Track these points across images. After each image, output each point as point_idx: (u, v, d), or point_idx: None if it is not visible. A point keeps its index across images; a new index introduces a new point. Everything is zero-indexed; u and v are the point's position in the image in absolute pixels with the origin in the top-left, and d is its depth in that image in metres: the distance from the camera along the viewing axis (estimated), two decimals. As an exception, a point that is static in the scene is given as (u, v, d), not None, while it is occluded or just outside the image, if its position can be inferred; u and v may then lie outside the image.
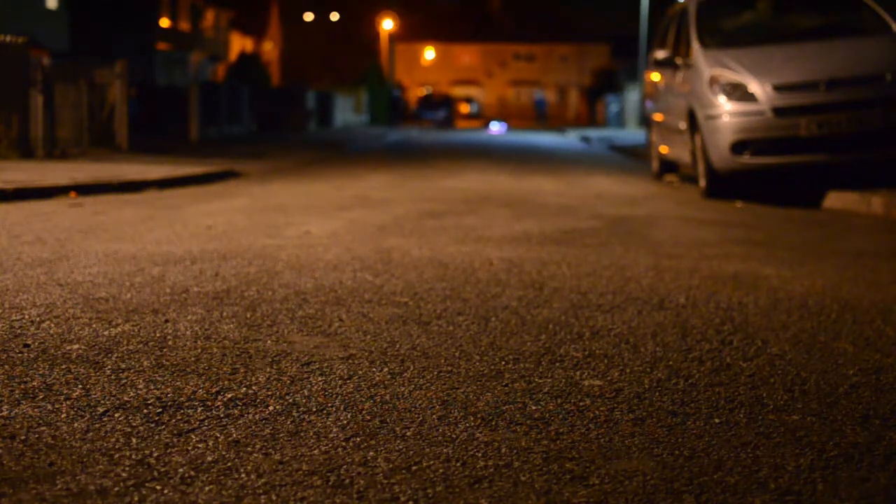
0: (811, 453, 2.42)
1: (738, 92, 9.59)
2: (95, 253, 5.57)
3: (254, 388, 2.91)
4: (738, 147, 9.55)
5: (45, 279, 4.66)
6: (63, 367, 3.09)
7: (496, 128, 45.61)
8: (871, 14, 10.44)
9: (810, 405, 2.82)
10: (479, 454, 2.38)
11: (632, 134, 32.85)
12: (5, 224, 6.96)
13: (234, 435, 2.49)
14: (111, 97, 17.35)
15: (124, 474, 2.21)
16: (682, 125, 10.82)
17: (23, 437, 2.43)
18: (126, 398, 2.78)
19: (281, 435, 2.49)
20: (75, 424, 2.54)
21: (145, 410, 2.68)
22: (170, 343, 3.44)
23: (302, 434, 2.50)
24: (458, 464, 2.31)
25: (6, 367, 3.08)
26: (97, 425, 2.54)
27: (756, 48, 10.23)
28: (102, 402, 2.74)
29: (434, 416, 2.66)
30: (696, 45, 10.51)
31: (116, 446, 2.39)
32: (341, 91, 47.96)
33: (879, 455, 2.41)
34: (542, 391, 2.93)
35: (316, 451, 2.38)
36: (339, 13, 76.08)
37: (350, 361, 3.23)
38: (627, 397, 2.88)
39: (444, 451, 2.40)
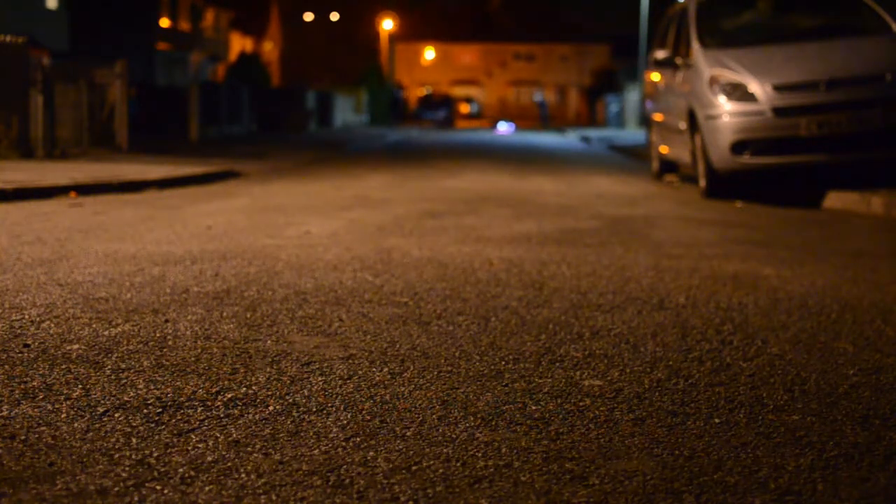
0: (811, 453, 2.42)
1: (738, 92, 9.59)
2: (95, 253, 5.57)
3: (254, 388, 2.91)
4: (738, 147, 9.54)
5: (45, 279, 4.66)
6: (63, 367, 3.09)
7: (504, 128, 45.43)
8: (871, 14, 10.43)
9: (810, 405, 2.82)
10: (479, 454, 2.38)
11: (632, 134, 32.85)
12: (5, 224, 6.96)
13: (234, 435, 2.49)
14: (111, 97, 17.35)
15: (124, 474, 2.21)
16: (682, 125, 10.82)
17: (23, 437, 2.43)
18: (126, 398, 2.78)
19: (281, 435, 2.49)
20: (75, 424, 2.54)
21: (145, 410, 2.68)
22: (170, 343, 3.44)
23: (302, 434, 2.50)
24: (458, 464, 2.31)
25: (6, 367, 3.08)
26: (97, 425, 2.54)
27: (756, 48, 10.23)
28: (102, 402, 2.74)
29: (434, 416, 2.66)
30: (696, 45, 10.51)
31: (116, 446, 2.39)
32: (341, 91, 47.96)
33: (879, 455, 2.41)
34: (542, 391, 2.93)
35: (316, 451, 2.38)
36: (339, 13, 76.08)
37: (350, 361, 3.23)
38: (627, 397, 2.88)
39: (444, 451, 2.40)
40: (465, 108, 72.12)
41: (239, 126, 29.10)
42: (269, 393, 2.86)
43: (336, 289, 4.53)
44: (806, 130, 9.34)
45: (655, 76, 12.98)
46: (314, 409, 2.71)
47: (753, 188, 10.21)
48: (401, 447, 2.42)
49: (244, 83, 33.03)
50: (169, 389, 2.87)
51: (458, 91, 78.00)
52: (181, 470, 2.24)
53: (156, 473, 2.22)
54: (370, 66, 58.13)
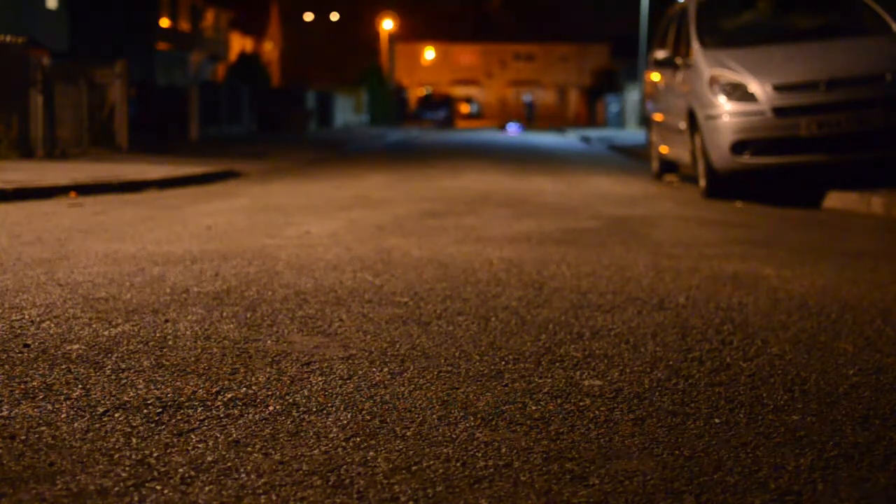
0: (811, 453, 2.42)
1: (738, 92, 9.59)
2: (95, 253, 5.57)
3: (254, 388, 2.91)
4: (738, 147, 9.54)
5: (45, 279, 4.66)
6: (63, 367, 3.09)
7: (513, 129, 45.39)
8: (871, 14, 10.43)
9: (810, 405, 2.82)
10: (479, 454, 2.38)
11: (632, 134, 32.85)
12: (5, 224, 6.96)
13: (234, 435, 2.49)
14: (111, 97, 17.35)
15: (124, 474, 2.21)
16: (682, 125, 10.82)
17: (23, 437, 2.43)
18: (126, 398, 2.78)
19: (281, 435, 2.49)
20: (75, 424, 2.54)
21: (145, 410, 2.68)
22: (170, 343, 3.44)
23: (302, 434, 2.50)
24: (458, 464, 2.31)
25: (6, 367, 3.08)
26: (97, 425, 2.54)
27: (756, 48, 10.23)
28: (102, 402, 2.74)
29: (434, 416, 2.66)
30: (696, 45, 10.51)
31: (116, 446, 2.39)
32: (341, 91, 47.96)
33: (879, 455, 2.41)
34: (542, 391, 2.93)
35: (316, 451, 2.38)
36: (339, 13, 76.08)
37: (350, 361, 3.23)
38: (627, 397, 2.88)
39: (444, 451, 2.40)
40: (464, 109, 72.14)
41: (239, 126, 29.10)
42: (269, 393, 2.86)
43: (336, 289, 4.53)
44: (806, 130, 9.34)
45: (655, 76, 12.98)
46: (314, 409, 2.71)
47: (753, 188, 10.21)
48: (401, 447, 2.42)
49: (244, 83, 33.03)
50: (169, 389, 2.87)
51: (458, 91, 78.01)
52: (181, 470, 2.24)
53: (156, 473, 2.22)
54: (370, 66, 58.14)
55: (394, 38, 69.01)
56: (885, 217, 8.15)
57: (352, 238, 6.41)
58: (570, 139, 34.32)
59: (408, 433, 2.52)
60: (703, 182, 10.21)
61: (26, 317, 3.81)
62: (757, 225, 7.68)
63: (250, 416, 2.65)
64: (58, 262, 5.21)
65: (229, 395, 2.83)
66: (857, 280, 4.98)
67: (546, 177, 13.66)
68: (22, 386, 2.87)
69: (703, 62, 10.13)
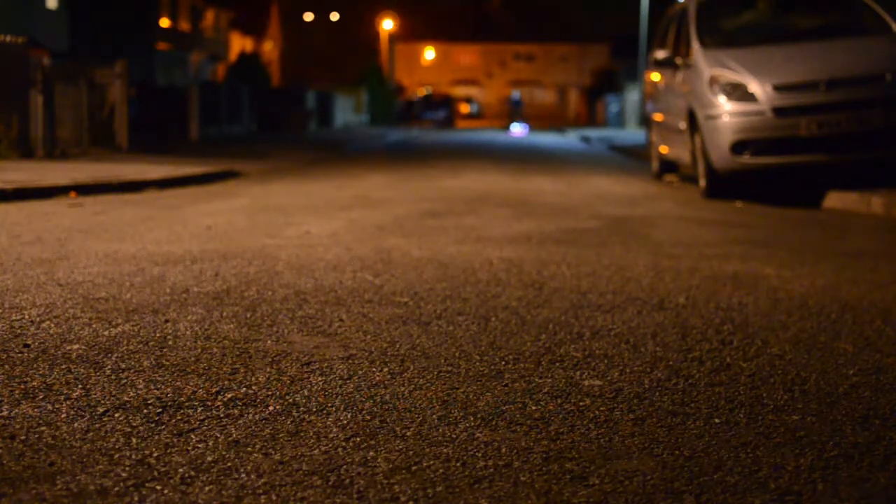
0: (811, 453, 2.42)
1: (738, 92, 9.59)
2: (95, 253, 5.57)
3: (254, 388, 2.91)
4: (738, 147, 9.54)
5: (45, 279, 4.66)
6: (63, 367, 3.09)
7: (517, 129, 45.01)
8: (871, 14, 10.43)
9: (810, 405, 2.82)
10: (479, 454, 2.38)
11: (632, 134, 32.85)
12: (5, 224, 6.96)
13: (234, 435, 2.49)
14: (111, 97, 17.35)
15: (124, 474, 2.21)
16: (682, 125, 10.82)
17: (23, 437, 2.43)
18: (126, 398, 2.78)
19: (281, 435, 2.49)
20: (75, 424, 2.54)
21: (145, 410, 2.68)
22: (170, 343, 3.44)
23: (302, 434, 2.50)
24: (458, 464, 2.31)
25: (6, 367, 3.08)
26: (97, 425, 2.54)
27: (756, 48, 10.23)
28: (102, 402, 2.74)
29: (434, 416, 2.66)
30: (696, 45, 10.51)
31: (116, 446, 2.39)
32: (341, 91, 47.95)
33: (879, 455, 2.41)
34: (542, 391, 2.93)
35: (316, 451, 2.38)
36: (339, 13, 76.08)
37: (350, 361, 3.23)
38: (627, 397, 2.88)
39: (444, 451, 2.40)
40: (464, 109, 72.13)
41: (239, 126, 29.10)
42: (269, 393, 2.86)
43: (336, 289, 4.53)
44: (806, 130, 9.34)
45: (655, 76, 12.98)
46: (314, 409, 2.71)
47: (753, 188, 10.21)
48: (401, 447, 2.42)
49: (244, 83, 33.03)
50: (169, 389, 2.87)
51: (458, 91, 78.01)
52: (181, 470, 2.24)
53: (156, 473, 2.22)
54: (370, 66, 58.12)
55: (394, 38, 69.00)
56: (885, 217, 8.15)
57: (352, 238, 6.41)
58: (570, 139, 34.32)
59: (408, 433, 2.52)
60: (703, 182, 10.21)
61: (26, 317, 3.81)
62: (757, 225, 7.68)
63: (250, 416, 2.65)
64: (58, 262, 5.21)
65: (229, 395, 2.83)
66: (857, 280, 4.98)
67: (546, 177, 13.66)
68: (22, 386, 2.87)
69: (703, 62, 10.13)
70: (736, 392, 2.94)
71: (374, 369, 3.14)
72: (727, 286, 4.75)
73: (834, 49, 9.99)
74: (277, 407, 2.73)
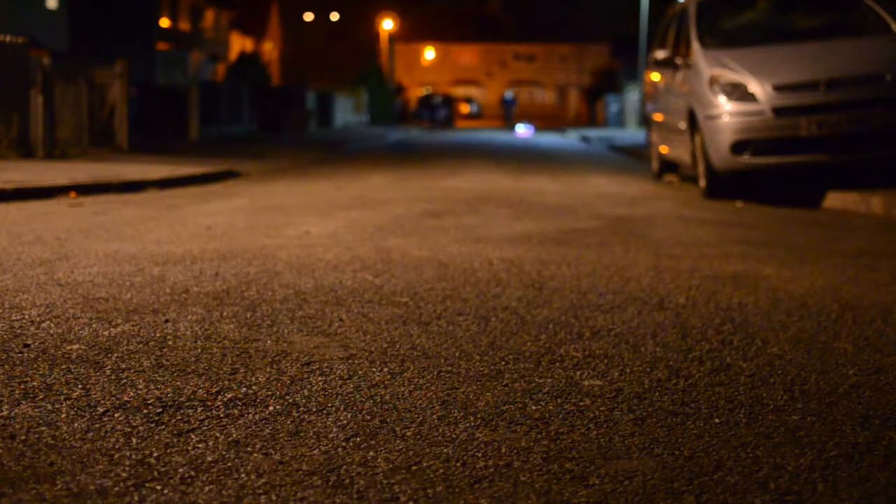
0: (811, 453, 2.42)
1: (738, 92, 9.59)
2: (95, 253, 5.57)
3: (254, 388, 2.91)
4: (738, 147, 9.55)
5: (45, 279, 4.66)
6: (63, 367, 3.09)
7: (522, 130, 44.83)
8: (871, 14, 10.43)
9: (810, 405, 2.82)
10: (479, 454, 2.38)
11: (632, 134, 32.85)
12: (5, 224, 6.96)
13: (234, 435, 2.49)
14: (111, 97, 17.35)
15: (124, 474, 2.21)
16: (682, 125, 10.82)
17: (23, 437, 2.43)
18: (126, 398, 2.78)
19: (281, 435, 2.49)
20: (75, 424, 2.54)
21: (145, 410, 2.67)
22: (170, 343, 3.44)
23: (302, 434, 2.50)
24: (458, 464, 2.31)
25: (6, 367, 3.08)
26: (97, 425, 2.54)
27: (756, 48, 10.23)
28: (102, 402, 2.74)
29: (434, 416, 2.66)
30: (696, 45, 10.51)
31: (116, 446, 2.39)
32: (341, 91, 47.95)
33: (879, 455, 2.41)
34: (542, 391, 2.93)
35: (316, 451, 2.38)
36: (339, 13, 76.09)
37: (350, 361, 3.23)
38: (627, 397, 2.88)
39: (444, 451, 2.40)
40: (465, 109, 72.15)
41: (239, 126, 29.10)
42: (269, 393, 2.86)
43: (336, 289, 4.53)
44: (806, 130, 9.34)
45: (655, 76, 12.98)
46: (314, 409, 2.71)
47: (753, 188, 10.21)
48: (401, 447, 2.42)
49: (244, 83, 33.03)
50: (169, 389, 2.87)
51: (458, 91, 78.01)
52: (181, 470, 2.24)
53: (156, 473, 2.22)
54: (370, 66, 58.13)
55: (394, 38, 69.00)
56: (885, 217, 8.15)
57: (352, 238, 6.41)
58: (569, 139, 34.32)
59: (408, 433, 2.52)
60: (703, 182, 10.21)
61: (26, 317, 3.81)
62: (757, 225, 7.68)
63: (250, 416, 2.65)
64: (58, 262, 5.21)
65: (229, 395, 2.83)
66: (857, 280, 4.98)
67: (546, 177, 13.66)
68: (22, 386, 2.87)
69: (703, 62, 10.13)
70: (736, 392, 2.94)
71: (374, 369, 3.14)
72: (727, 286, 4.75)
73: (834, 49, 9.99)
74: (277, 407, 2.73)
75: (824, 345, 3.56)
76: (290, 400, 2.79)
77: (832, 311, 4.16)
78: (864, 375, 3.14)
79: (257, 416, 2.64)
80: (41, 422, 2.56)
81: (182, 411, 2.67)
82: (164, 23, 48.94)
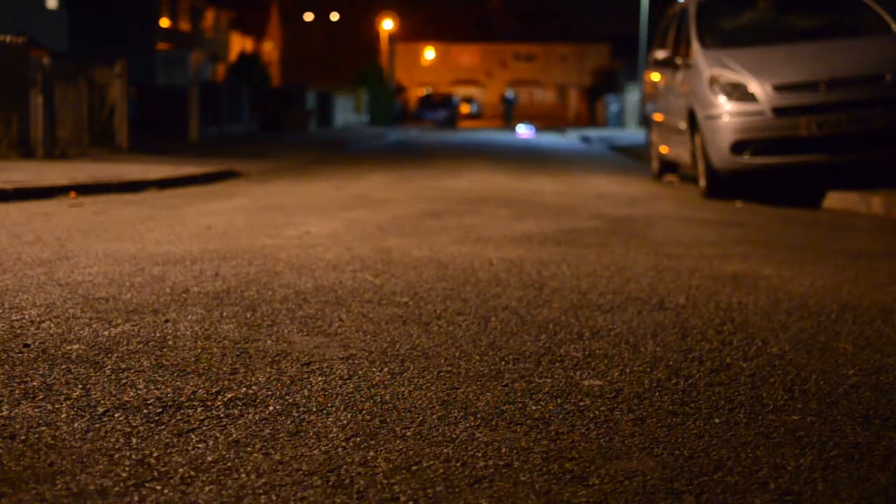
0: (811, 453, 2.42)
1: (738, 92, 9.59)
2: (95, 253, 5.57)
3: (254, 388, 2.91)
4: (738, 147, 9.55)
5: (45, 279, 4.66)
6: (63, 367, 3.09)
7: (523, 130, 44.70)
8: (871, 14, 10.44)
9: (810, 405, 2.82)
10: (479, 454, 2.38)
11: (632, 134, 32.85)
12: (5, 224, 6.96)
13: (234, 435, 2.49)
14: (111, 97, 17.35)
15: (124, 474, 2.21)
16: (682, 125, 10.82)
17: (23, 437, 2.43)
18: (126, 398, 2.78)
19: (281, 435, 2.49)
20: (75, 424, 2.54)
21: (145, 410, 2.67)
22: (170, 343, 3.44)
23: (302, 434, 2.50)
24: (458, 464, 2.31)
25: (6, 367, 3.08)
26: (97, 425, 2.54)
27: (756, 48, 10.23)
28: (102, 402, 2.74)
29: (434, 416, 2.66)
30: (696, 45, 10.51)
31: (116, 446, 2.39)
32: (341, 91, 47.95)
33: (879, 455, 2.41)
34: (542, 391, 2.93)
35: (316, 451, 2.38)
36: (339, 13, 76.09)
37: (350, 361, 3.23)
38: (627, 397, 2.88)
39: (444, 451, 2.40)
40: (465, 108, 72.19)
41: (239, 126, 29.10)
42: (269, 393, 2.86)
43: (336, 289, 4.53)
44: (806, 130, 9.34)
45: (655, 76, 12.98)
46: (314, 409, 2.71)
47: (753, 188, 10.21)
48: (401, 447, 2.42)
49: (244, 83, 33.03)
50: (169, 389, 2.87)
51: (458, 91, 78.01)
52: (181, 470, 2.24)
53: (156, 473, 2.22)
54: (370, 66, 58.12)
55: (394, 38, 68.99)
56: (885, 217, 8.15)
57: (352, 238, 6.41)
58: (570, 139, 34.32)
59: (408, 433, 2.52)
60: (703, 182, 10.21)
61: (26, 317, 3.81)
62: (757, 225, 7.68)
63: (250, 416, 2.65)
64: (58, 262, 5.21)
65: (229, 395, 2.83)
66: (857, 280, 4.98)
67: (546, 177, 13.66)
68: (22, 386, 2.87)
69: (703, 62, 10.13)
70: (736, 392, 2.94)
71: (374, 369, 3.14)
72: (727, 286, 4.75)
73: (834, 49, 9.99)
74: (277, 407, 2.73)
75: (824, 345, 3.56)
76: (290, 400, 2.79)
77: (832, 311, 4.16)
78: (864, 375, 3.14)
79: (257, 416, 2.64)
80: (41, 422, 2.55)
81: (182, 411, 2.67)
82: (164, 23, 48.94)
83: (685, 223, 7.66)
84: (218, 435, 2.48)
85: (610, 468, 2.29)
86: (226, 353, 3.32)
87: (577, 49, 79.78)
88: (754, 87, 9.50)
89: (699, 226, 7.50)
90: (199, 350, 3.35)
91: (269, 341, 3.49)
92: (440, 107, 59.68)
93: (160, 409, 2.69)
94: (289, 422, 2.60)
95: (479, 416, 2.68)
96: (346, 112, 47.44)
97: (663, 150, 12.54)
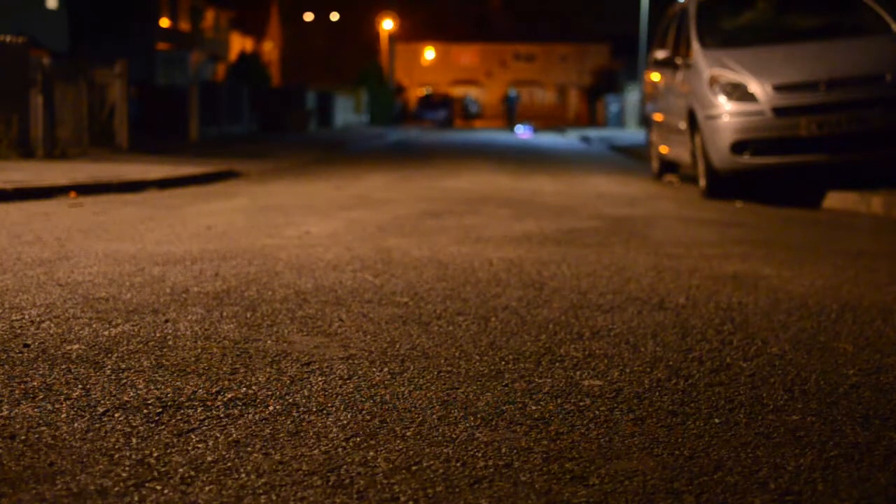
0: (811, 453, 2.42)
1: (738, 92, 9.59)
2: (95, 253, 5.57)
3: (254, 388, 2.91)
4: (738, 147, 9.55)
5: (45, 279, 4.66)
6: (63, 367, 3.09)
7: (521, 130, 44.63)
8: (871, 14, 10.44)
9: (810, 405, 2.82)
10: (479, 454, 2.38)
11: (632, 134, 32.85)
12: (5, 224, 6.96)
13: (234, 435, 2.49)
14: (111, 97, 17.35)
15: (124, 474, 2.21)
16: (682, 125, 10.82)
17: (23, 437, 2.43)
18: (126, 398, 2.78)
19: (281, 435, 2.49)
20: (75, 424, 2.54)
21: (145, 410, 2.67)
22: (170, 343, 3.44)
23: (302, 434, 2.50)
24: (458, 464, 2.31)
25: (6, 367, 3.08)
26: (97, 425, 2.54)
27: (756, 48, 10.23)
28: (102, 402, 2.74)
29: (434, 416, 2.66)
30: (696, 45, 10.51)
31: (116, 446, 2.39)
32: (341, 91, 47.94)
33: (879, 455, 2.41)
34: (542, 391, 2.93)
35: (316, 451, 2.38)
36: (339, 13, 76.11)
37: (350, 361, 3.23)
38: (627, 397, 2.88)
39: (444, 451, 2.40)
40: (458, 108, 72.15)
41: (239, 126, 29.10)
42: (269, 393, 2.86)
43: (336, 289, 4.53)
44: (806, 130, 9.34)
45: (655, 76, 12.98)
46: (314, 409, 2.71)
47: (753, 188, 10.21)
48: (401, 447, 2.42)
49: (244, 83, 33.03)
50: (169, 389, 2.87)
51: (458, 91, 78.01)
52: (181, 470, 2.24)
53: (156, 473, 2.22)
54: (370, 66, 58.12)
55: (394, 38, 68.99)
56: (885, 217, 8.15)
57: (352, 238, 6.41)
58: (570, 139, 34.32)
59: (408, 433, 2.52)
60: (703, 182, 10.22)
61: (26, 317, 3.81)
62: (757, 225, 7.68)
63: (250, 416, 2.65)
64: (58, 262, 5.21)
65: (229, 395, 2.83)
66: (857, 280, 4.98)
67: (546, 177, 13.67)
68: (22, 386, 2.87)
69: (703, 62, 10.13)
70: (736, 392, 2.94)
71: (374, 369, 3.14)
72: (727, 286, 4.75)
73: (834, 49, 9.99)
74: (277, 407, 2.73)
75: (824, 345, 3.56)
76: (290, 400, 2.79)
77: (832, 311, 4.16)
78: (864, 375, 3.14)
79: (257, 416, 2.64)
80: (41, 422, 2.55)
81: (182, 411, 2.67)
82: (164, 23, 48.93)
83: (685, 223, 7.66)
84: (218, 435, 2.48)
85: (610, 468, 2.29)
86: (226, 353, 3.32)
87: (577, 49, 79.77)
88: (754, 87, 9.50)
89: (699, 226, 7.50)
90: (199, 350, 3.35)
91: (269, 341, 3.49)
92: (440, 107, 59.70)
93: (160, 409, 2.69)
94: (289, 422, 2.60)
95: (479, 416, 2.68)
96: (346, 112, 47.44)
97: (663, 150, 12.54)
